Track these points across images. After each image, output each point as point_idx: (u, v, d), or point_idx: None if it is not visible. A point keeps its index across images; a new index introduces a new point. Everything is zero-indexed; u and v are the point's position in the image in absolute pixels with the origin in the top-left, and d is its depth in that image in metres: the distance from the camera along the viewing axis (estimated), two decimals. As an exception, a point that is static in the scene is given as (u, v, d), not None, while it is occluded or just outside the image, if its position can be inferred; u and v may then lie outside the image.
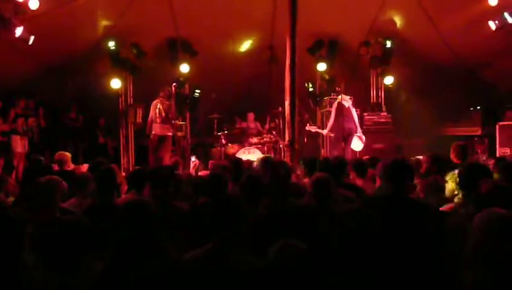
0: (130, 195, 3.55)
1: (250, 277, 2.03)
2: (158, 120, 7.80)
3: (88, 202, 3.36)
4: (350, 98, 7.71)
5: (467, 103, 9.64)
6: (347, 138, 7.52)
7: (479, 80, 9.22)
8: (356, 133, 7.57)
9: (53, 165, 5.12)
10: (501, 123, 8.59)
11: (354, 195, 3.48)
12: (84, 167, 5.56)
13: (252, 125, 9.55)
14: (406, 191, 2.89)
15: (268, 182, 3.08)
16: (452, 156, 4.86)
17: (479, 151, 8.91)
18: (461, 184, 2.93)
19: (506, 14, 6.91)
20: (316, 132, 8.35)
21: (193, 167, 6.73)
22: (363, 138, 7.63)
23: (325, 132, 8.03)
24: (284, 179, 3.15)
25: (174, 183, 3.53)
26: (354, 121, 7.62)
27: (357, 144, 7.56)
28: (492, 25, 7.22)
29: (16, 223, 1.96)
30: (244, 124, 9.54)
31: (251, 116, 9.62)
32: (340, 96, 7.66)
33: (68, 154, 5.44)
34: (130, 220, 2.25)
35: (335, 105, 7.71)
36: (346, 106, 7.57)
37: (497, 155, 8.02)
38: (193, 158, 7.02)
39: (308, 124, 8.32)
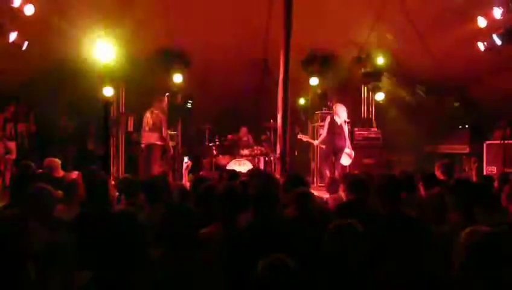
0: (122, 205, 3.54)
1: (203, 280, 2.14)
2: (146, 129, 7.81)
3: (76, 210, 3.33)
4: (345, 110, 7.78)
5: (455, 121, 9.78)
6: (338, 153, 7.65)
7: (467, 99, 9.38)
8: (346, 149, 7.70)
9: (42, 171, 5.07)
10: (488, 142, 8.74)
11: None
12: (74, 174, 5.51)
13: (244, 138, 9.58)
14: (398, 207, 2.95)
15: (254, 194, 3.09)
16: (438, 173, 4.94)
17: (466, 169, 9.02)
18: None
19: (494, 36, 7.07)
20: (307, 141, 8.46)
21: (185, 168, 6.77)
22: (352, 154, 7.78)
23: (316, 142, 8.18)
24: (271, 192, 3.15)
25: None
26: (345, 138, 7.74)
27: (345, 160, 7.73)
28: (481, 45, 7.38)
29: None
30: (235, 136, 9.56)
31: (244, 130, 9.66)
32: (334, 107, 7.76)
33: (58, 161, 5.38)
34: (118, 230, 2.26)
35: (328, 120, 7.82)
36: (339, 123, 7.69)
37: (484, 173, 8.14)
38: (186, 159, 7.06)
39: (300, 133, 8.42)
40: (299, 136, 8.35)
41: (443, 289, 2.03)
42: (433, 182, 4.35)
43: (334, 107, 7.98)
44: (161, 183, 3.62)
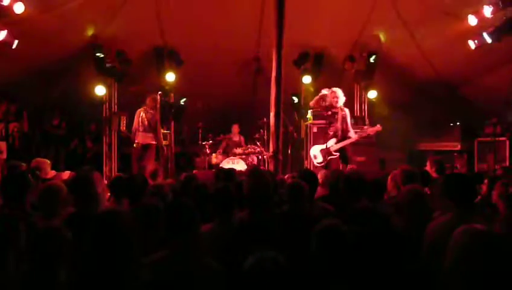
0: (109, 204, 3.53)
1: (208, 280, 2.12)
2: (141, 129, 7.79)
3: (69, 211, 3.31)
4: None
5: (446, 118, 9.85)
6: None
7: (458, 97, 9.46)
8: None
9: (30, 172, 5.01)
10: (479, 139, 8.82)
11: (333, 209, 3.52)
12: (66, 174, 5.48)
13: (235, 138, 9.58)
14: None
15: (248, 191, 3.11)
16: (431, 170, 4.97)
17: (458, 166, 9.09)
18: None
19: (485, 34, 7.13)
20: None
21: None
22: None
23: (355, 137, 7.24)
24: (265, 189, 3.16)
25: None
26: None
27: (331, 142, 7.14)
28: (472, 44, 7.44)
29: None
30: (227, 136, 9.55)
31: (235, 128, 9.64)
32: (331, 92, 7.04)
33: (47, 161, 5.28)
34: (99, 231, 2.22)
35: (344, 111, 7.05)
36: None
37: (475, 170, 8.22)
38: None
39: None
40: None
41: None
42: (426, 179, 4.39)
43: (331, 92, 7.06)
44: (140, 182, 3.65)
